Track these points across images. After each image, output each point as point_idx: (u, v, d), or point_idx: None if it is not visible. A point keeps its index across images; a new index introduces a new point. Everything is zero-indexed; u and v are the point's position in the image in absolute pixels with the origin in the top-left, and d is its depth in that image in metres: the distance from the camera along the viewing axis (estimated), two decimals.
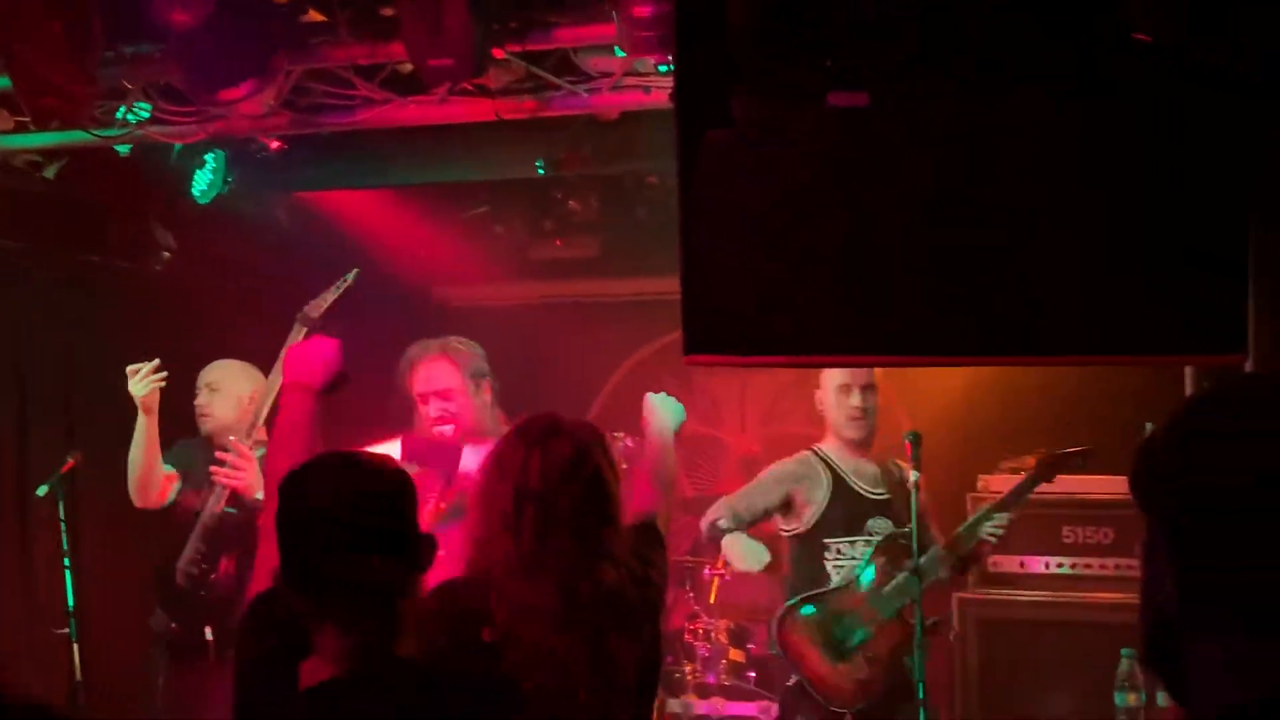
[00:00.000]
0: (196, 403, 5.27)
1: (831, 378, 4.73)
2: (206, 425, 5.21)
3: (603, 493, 2.76)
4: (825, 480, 4.75)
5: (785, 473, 4.88)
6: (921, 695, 3.97)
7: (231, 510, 4.77)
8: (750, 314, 2.91)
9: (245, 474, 4.56)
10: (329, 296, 4.71)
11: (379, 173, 5.79)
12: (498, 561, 2.65)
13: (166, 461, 5.06)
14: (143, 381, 4.80)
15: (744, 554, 4.83)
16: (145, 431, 4.90)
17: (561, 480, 2.68)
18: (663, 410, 3.40)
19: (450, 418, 4.25)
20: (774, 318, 2.89)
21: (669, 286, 7.00)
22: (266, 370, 5.02)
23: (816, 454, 4.86)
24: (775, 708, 5.89)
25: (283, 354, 4.40)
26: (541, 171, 5.64)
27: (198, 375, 5.32)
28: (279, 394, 2.83)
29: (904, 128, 2.76)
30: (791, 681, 4.63)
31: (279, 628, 2.20)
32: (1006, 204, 2.71)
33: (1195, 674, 1.25)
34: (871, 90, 2.74)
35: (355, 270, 4.67)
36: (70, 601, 4.92)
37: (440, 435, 4.22)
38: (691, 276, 2.93)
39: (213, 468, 4.69)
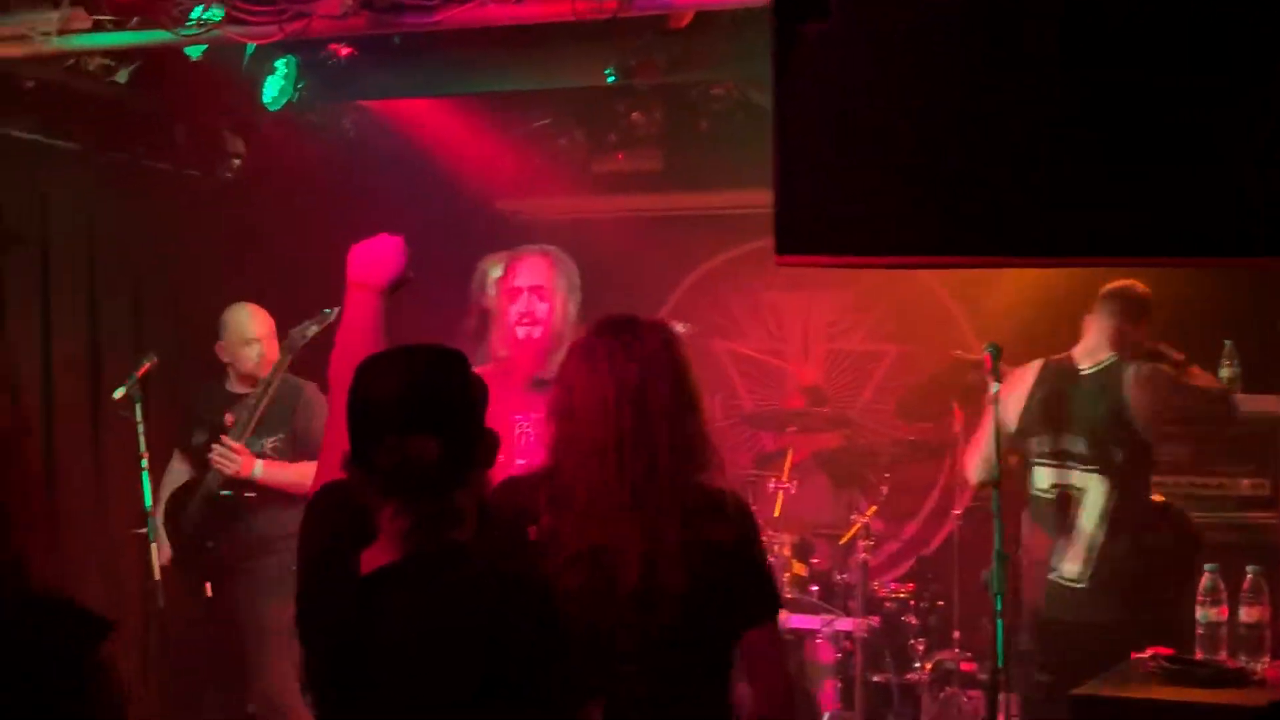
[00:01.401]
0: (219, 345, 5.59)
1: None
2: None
3: (691, 383, 2.76)
4: None
5: None
6: (1000, 608, 3.95)
7: (228, 493, 5.22)
8: (844, 213, 2.86)
9: (236, 464, 5.12)
10: (312, 328, 5.19)
11: (449, 81, 5.76)
12: (583, 456, 2.64)
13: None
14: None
15: None
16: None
17: (656, 372, 2.67)
18: None
19: (537, 319, 4.04)
20: (868, 217, 2.85)
21: (733, 200, 7.06)
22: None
23: None
24: (840, 622, 5.91)
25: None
26: (612, 80, 5.58)
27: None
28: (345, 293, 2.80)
29: (1008, 22, 2.69)
30: None
31: (343, 515, 2.24)
32: (1106, 102, 2.64)
33: None
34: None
35: (336, 309, 4.88)
36: (147, 502, 5.01)
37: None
38: (785, 174, 2.88)
39: (210, 455, 5.17)
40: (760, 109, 5.94)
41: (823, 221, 2.90)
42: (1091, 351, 4.73)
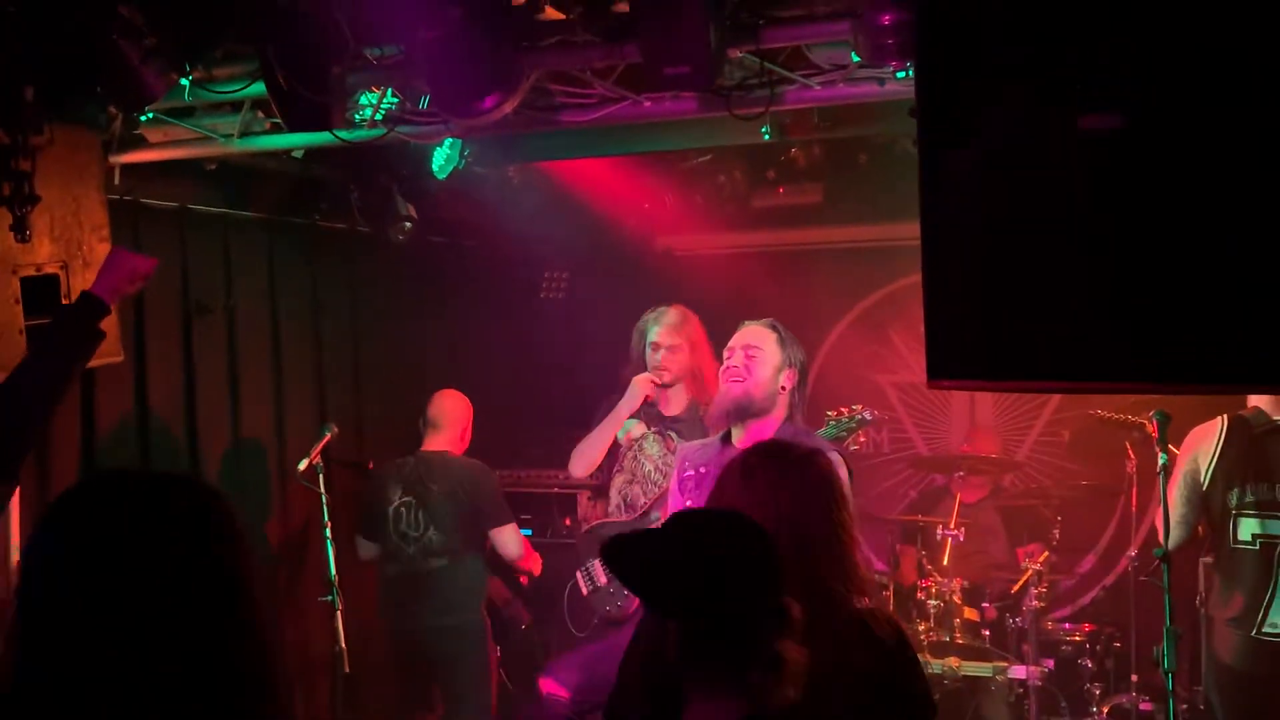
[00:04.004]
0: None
1: None
2: None
3: (846, 512, 2.81)
4: None
5: None
6: (1171, 687, 3.91)
7: None
8: (996, 338, 2.88)
9: None
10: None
11: (609, 143, 5.87)
12: None
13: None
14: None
15: None
16: None
17: (816, 506, 2.73)
18: None
19: (740, 374, 4.20)
20: (1020, 342, 2.86)
21: (894, 232, 7.07)
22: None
23: None
24: (1013, 669, 5.87)
25: None
26: (768, 137, 5.63)
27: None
28: None
29: (1162, 152, 2.68)
30: None
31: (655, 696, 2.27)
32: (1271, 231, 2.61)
33: None
34: (1125, 113, 2.67)
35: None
36: (332, 571, 5.22)
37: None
38: (935, 298, 2.92)
39: None
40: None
41: (974, 345, 2.92)
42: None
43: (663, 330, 5.35)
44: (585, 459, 5.43)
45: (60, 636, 1.55)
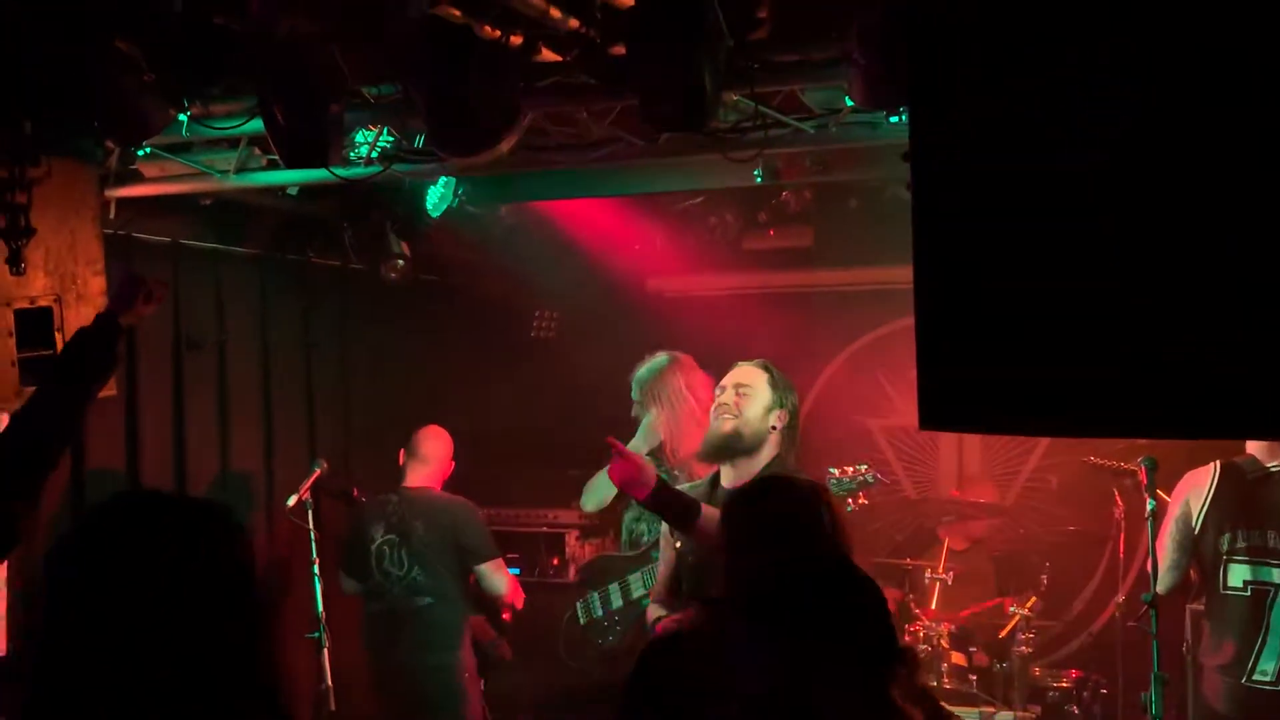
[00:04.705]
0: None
1: None
2: None
3: (847, 544, 2.83)
4: None
5: None
6: None
7: None
8: (989, 386, 2.87)
9: None
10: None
11: (599, 185, 5.91)
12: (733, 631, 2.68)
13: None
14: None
15: None
16: None
17: (819, 537, 2.74)
18: None
19: (731, 411, 4.20)
20: (1013, 390, 2.85)
21: (884, 276, 7.09)
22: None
23: None
24: (1000, 714, 5.85)
25: None
26: (760, 180, 5.66)
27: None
28: None
29: (1151, 193, 2.69)
30: None
31: None
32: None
33: None
34: (1113, 156, 2.68)
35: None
36: (319, 608, 5.20)
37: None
38: (927, 346, 2.91)
39: None
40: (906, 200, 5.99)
41: (966, 392, 2.91)
42: (1274, 451, 4.63)
43: (633, 385, 5.47)
44: (598, 495, 5.47)
45: (77, 652, 1.58)
